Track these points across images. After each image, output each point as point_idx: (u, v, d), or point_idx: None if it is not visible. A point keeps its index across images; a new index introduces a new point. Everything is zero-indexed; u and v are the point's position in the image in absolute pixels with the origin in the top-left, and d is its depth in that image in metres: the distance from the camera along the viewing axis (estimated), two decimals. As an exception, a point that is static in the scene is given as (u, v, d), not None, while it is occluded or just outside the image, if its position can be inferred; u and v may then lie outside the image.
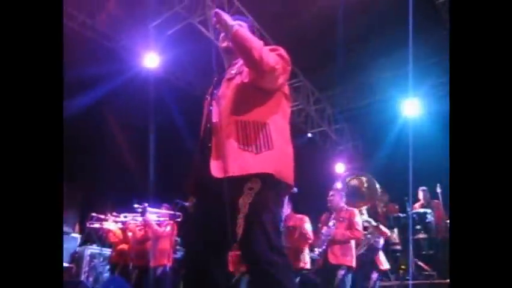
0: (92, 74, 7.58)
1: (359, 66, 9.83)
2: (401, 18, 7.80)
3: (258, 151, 1.96)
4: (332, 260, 4.94)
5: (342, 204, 5.30)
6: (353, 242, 5.14)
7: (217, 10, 2.11)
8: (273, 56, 2.01)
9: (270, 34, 8.04)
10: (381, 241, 5.60)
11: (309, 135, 10.55)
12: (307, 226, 5.49)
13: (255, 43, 1.99)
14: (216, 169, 1.99)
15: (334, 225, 5.13)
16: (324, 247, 5.01)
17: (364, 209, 5.46)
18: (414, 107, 9.27)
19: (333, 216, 5.23)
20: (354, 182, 5.36)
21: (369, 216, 5.73)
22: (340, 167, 10.67)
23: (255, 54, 1.95)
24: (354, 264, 5.03)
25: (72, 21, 7.52)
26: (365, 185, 5.31)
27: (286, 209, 5.51)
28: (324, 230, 5.13)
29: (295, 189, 2.26)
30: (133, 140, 8.64)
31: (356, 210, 5.31)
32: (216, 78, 2.30)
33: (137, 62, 8.05)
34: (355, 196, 5.27)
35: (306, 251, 5.55)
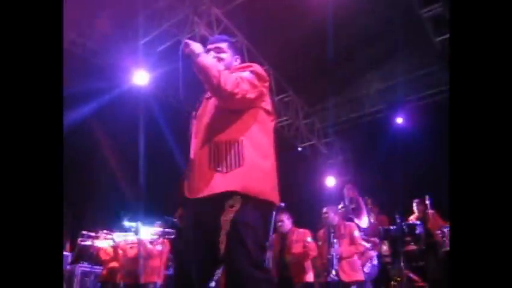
0: (82, 91, 7.61)
1: (347, 80, 9.96)
2: (388, 33, 8.00)
3: (227, 170, 2.00)
4: (344, 278, 5.07)
5: (337, 219, 5.41)
6: (356, 256, 5.28)
7: (186, 40, 2.17)
8: (232, 81, 2.03)
9: (259, 50, 8.13)
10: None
11: (299, 149, 10.60)
12: (310, 240, 5.57)
13: (213, 71, 2.02)
14: (188, 190, 2.10)
15: (337, 243, 5.23)
16: (336, 267, 5.10)
17: None
18: (400, 119, 9.39)
19: (333, 234, 5.32)
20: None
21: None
22: (331, 181, 10.72)
23: (213, 82, 2.01)
24: (363, 277, 5.25)
25: (64, 41, 7.55)
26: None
27: (288, 224, 5.56)
28: (332, 251, 5.22)
29: (281, 204, 2.28)
30: (123, 157, 8.61)
31: (354, 225, 5.45)
32: (201, 98, 2.35)
33: (127, 80, 8.08)
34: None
35: (309, 264, 5.61)
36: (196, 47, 2.13)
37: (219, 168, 2.00)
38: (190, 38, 7.18)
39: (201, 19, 7.21)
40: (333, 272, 5.09)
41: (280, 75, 8.84)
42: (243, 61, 2.48)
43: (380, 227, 6.68)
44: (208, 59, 2.10)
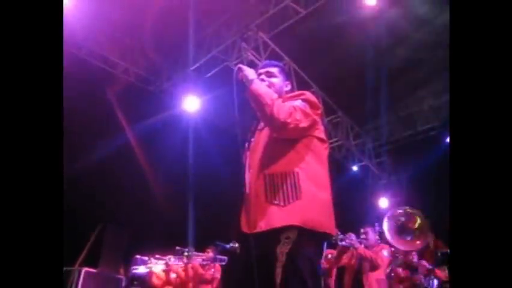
0: (135, 116, 7.92)
1: (397, 98, 9.76)
2: (438, 49, 7.79)
3: (285, 203, 1.97)
4: None
5: (376, 240, 5.42)
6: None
7: (240, 66, 2.19)
8: (284, 110, 2.02)
9: (307, 72, 8.13)
10: (436, 282, 5.48)
11: (356, 168, 10.41)
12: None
13: (267, 99, 2.02)
14: (245, 225, 2.08)
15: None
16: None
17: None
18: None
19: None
20: (404, 218, 5.29)
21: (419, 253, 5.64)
22: (384, 202, 10.44)
23: (267, 110, 2.00)
24: None
25: (116, 69, 7.90)
26: (417, 224, 5.23)
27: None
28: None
29: (339, 234, 2.24)
30: (174, 181, 8.76)
31: (388, 246, 5.32)
32: (253, 127, 2.36)
33: (178, 105, 8.30)
34: (405, 233, 5.20)
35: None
36: (250, 72, 2.14)
37: (275, 202, 1.98)
38: (237, 63, 7.38)
39: (248, 44, 7.31)
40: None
41: (328, 96, 8.78)
42: (292, 86, 2.47)
43: (437, 250, 6.38)
44: (261, 87, 2.10)
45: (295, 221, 1.93)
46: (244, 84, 2.11)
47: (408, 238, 5.15)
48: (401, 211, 5.33)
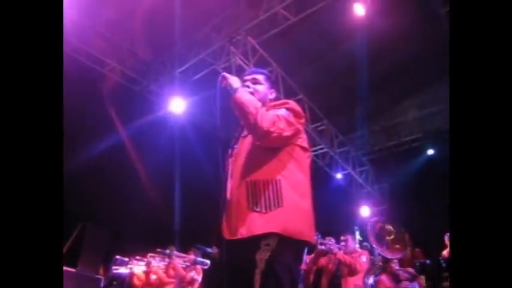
0: (121, 115, 7.86)
1: (382, 108, 9.87)
2: (425, 61, 7.90)
3: (266, 210, 1.97)
4: None
5: (355, 247, 5.50)
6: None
7: (224, 74, 2.20)
8: (268, 119, 2.02)
9: (294, 79, 8.17)
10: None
11: (339, 176, 10.47)
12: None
13: (250, 107, 2.03)
14: (226, 231, 2.08)
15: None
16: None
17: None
18: (431, 150, 9.31)
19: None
20: (385, 229, 5.37)
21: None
22: (365, 210, 10.52)
23: (250, 119, 2.01)
24: None
25: (103, 67, 7.84)
26: (392, 236, 5.31)
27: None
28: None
29: (318, 237, 2.24)
30: (159, 183, 8.72)
31: (367, 252, 5.39)
32: (237, 134, 2.36)
33: (164, 107, 8.28)
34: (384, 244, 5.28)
35: None
36: (234, 81, 2.14)
37: (257, 209, 1.98)
38: (225, 67, 7.39)
39: (237, 49, 7.32)
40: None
41: (314, 104, 8.83)
42: (278, 92, 2.48)
43: (416, 260, 6.44)
44: (245, 95, 2.10)
45: (275, 229, 1.92)
46: (228, 92, 2.12)
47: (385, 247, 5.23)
48: (380, 224, 5.43)
